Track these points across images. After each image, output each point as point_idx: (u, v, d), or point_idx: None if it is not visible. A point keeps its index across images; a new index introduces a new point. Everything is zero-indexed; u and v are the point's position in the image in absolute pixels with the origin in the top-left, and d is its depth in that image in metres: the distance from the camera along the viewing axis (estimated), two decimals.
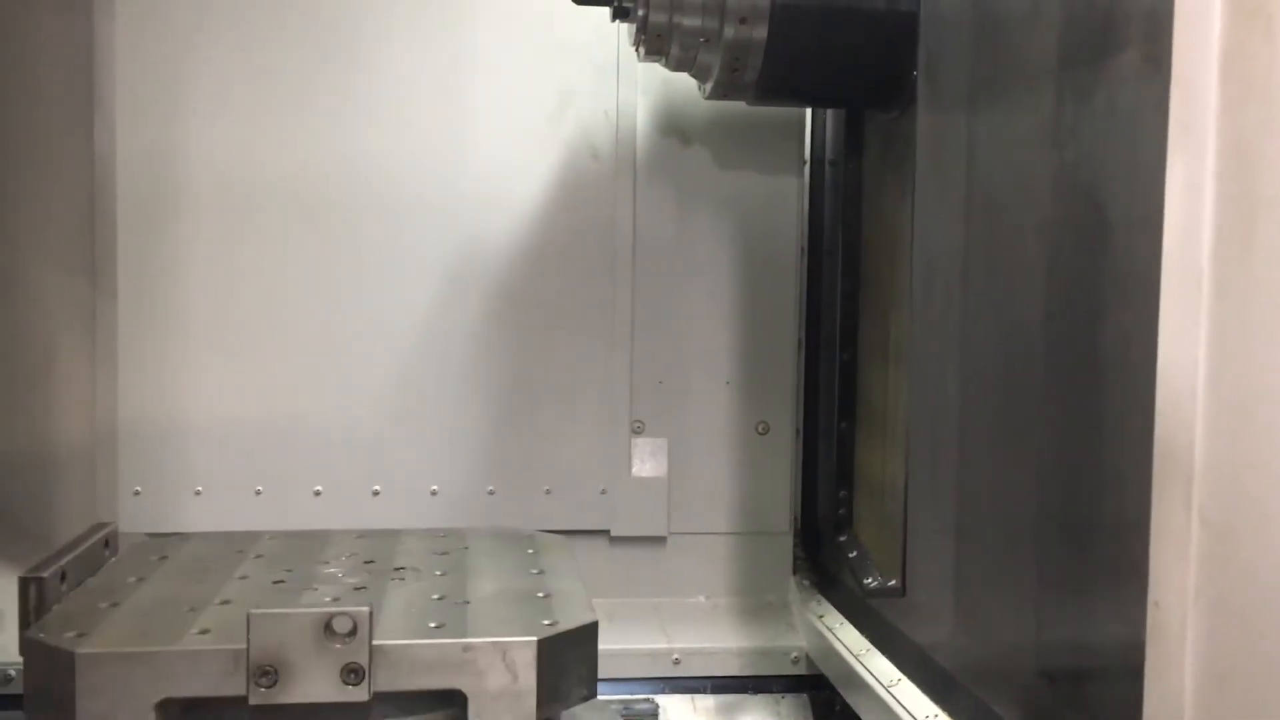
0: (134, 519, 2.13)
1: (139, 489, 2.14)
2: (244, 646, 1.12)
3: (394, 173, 2.18)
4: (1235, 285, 0.66)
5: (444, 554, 1.55)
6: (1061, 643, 1.26)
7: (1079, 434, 1.16)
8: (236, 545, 1.57)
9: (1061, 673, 1.27)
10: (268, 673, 1.11)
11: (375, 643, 1.14)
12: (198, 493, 2.15)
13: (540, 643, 1.17)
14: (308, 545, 1.58)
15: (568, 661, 1.22)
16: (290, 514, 2.11)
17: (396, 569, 1.47)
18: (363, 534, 1.67)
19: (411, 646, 1.16)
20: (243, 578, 1.41)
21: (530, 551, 1.58)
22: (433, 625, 1.22)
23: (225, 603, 1.29)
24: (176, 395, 2.15)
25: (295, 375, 2.17)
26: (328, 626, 1.12)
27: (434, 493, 2.20)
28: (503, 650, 1.17)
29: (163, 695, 1.11)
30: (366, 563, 1.50)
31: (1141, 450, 0.79)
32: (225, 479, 2.15)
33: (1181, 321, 0.69)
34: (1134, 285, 1.05)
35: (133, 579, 1.40)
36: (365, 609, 1.14)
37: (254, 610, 1.12)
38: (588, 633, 1.25)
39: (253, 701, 1.11)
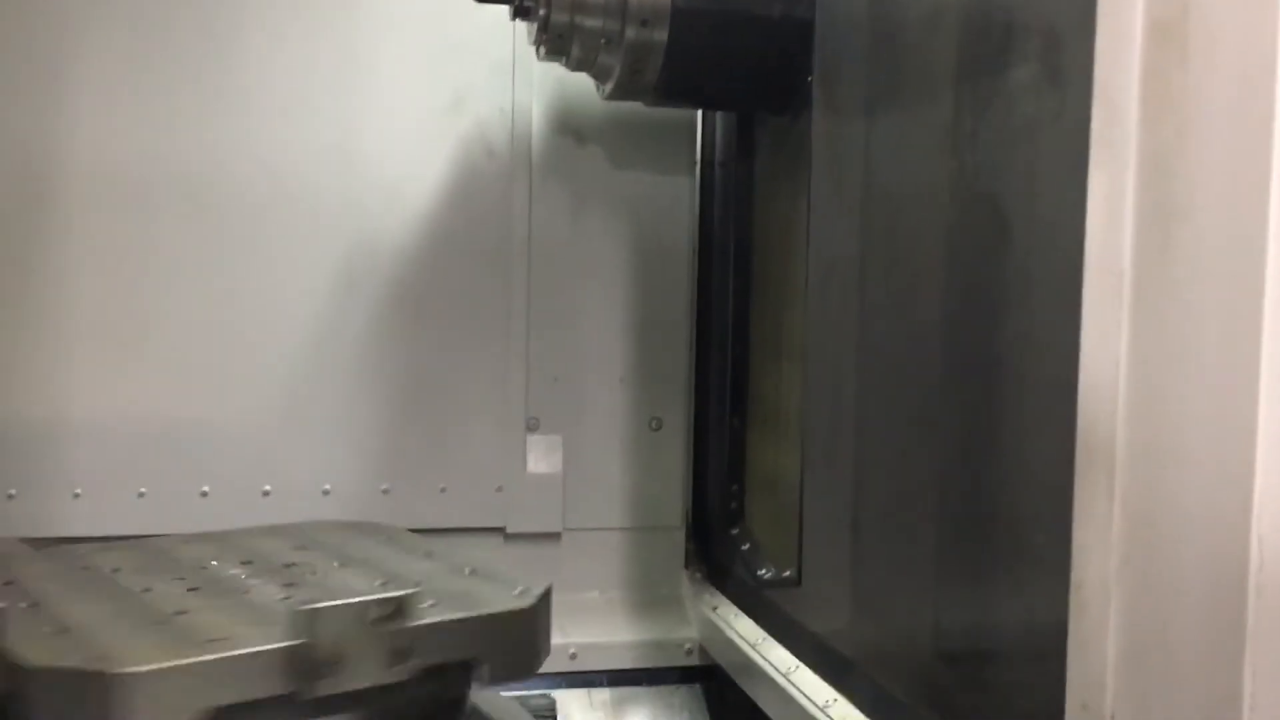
0: (9, 523, 2.04)
1: (13, 491, 2.04)
2: (300, 642, 1.11)
3: (284, 166, 2.13)
4: (1153, 287, 0.72)
5: (304, 549, 1.52)
6: (958, 626, 1.33)
7: (983, 428, 1.22)
8: (81, 560, 1.47)
9: (960, 655, 1.33)
10: (326, 664, 1.12)
11: (414, 623, 1.18)
12: (77, 495, 2.07)
13: (538, 604, 1.28)
14: (151, 555, 1.49)
15: (543, 624, 1.32)
16: (176, 516, 2.04)
17: (287, 565, 1.43)
18: (192, 538, 1.59)
19: (443, 624, 1.21)
20: (147, 590, 1.32)
21: (386, 538, 1.59)
22: (427, 605, 1.24)
23: (181, 612, 1.22)
24: (53, 393, 2.06)
25: (179, 373, 2.11)
26: (373, 612, 1.16)
27: (326, 492, 2.16)
28: (513, 617, 1.25)
29: (208, 704, 1.07)
30: (244, 563, 1.44)
31: (1058, 444, 0.84)
32: (106, 480, 2.07)
33: (1104, 321, 0.74)
34: (1037, 285, 1.11)
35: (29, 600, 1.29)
36: (410, 592, 1.19)
37: (303, 606, 1.12)
38: (548, 596, 1.33)
39: (305, 697, 1.11)
